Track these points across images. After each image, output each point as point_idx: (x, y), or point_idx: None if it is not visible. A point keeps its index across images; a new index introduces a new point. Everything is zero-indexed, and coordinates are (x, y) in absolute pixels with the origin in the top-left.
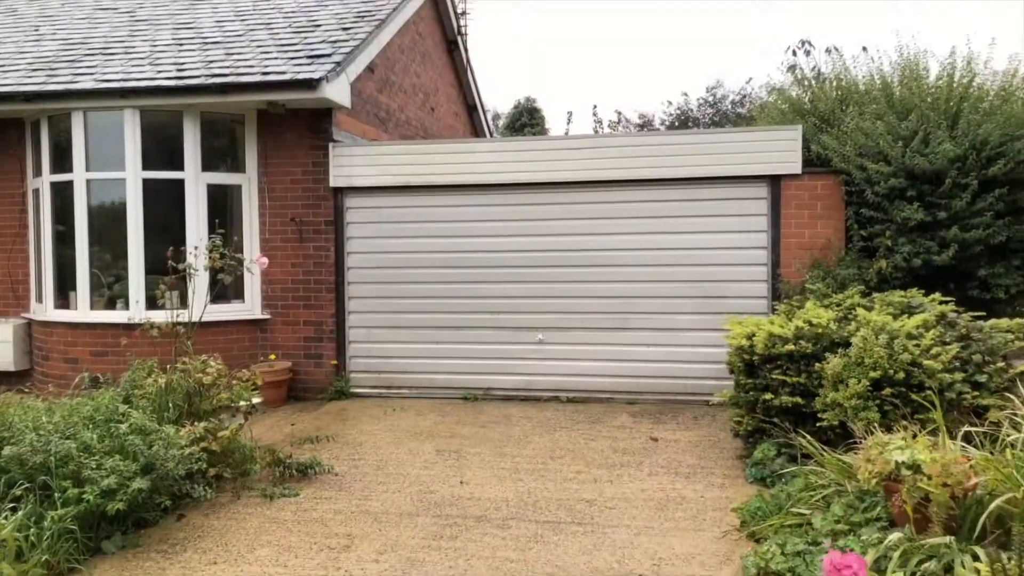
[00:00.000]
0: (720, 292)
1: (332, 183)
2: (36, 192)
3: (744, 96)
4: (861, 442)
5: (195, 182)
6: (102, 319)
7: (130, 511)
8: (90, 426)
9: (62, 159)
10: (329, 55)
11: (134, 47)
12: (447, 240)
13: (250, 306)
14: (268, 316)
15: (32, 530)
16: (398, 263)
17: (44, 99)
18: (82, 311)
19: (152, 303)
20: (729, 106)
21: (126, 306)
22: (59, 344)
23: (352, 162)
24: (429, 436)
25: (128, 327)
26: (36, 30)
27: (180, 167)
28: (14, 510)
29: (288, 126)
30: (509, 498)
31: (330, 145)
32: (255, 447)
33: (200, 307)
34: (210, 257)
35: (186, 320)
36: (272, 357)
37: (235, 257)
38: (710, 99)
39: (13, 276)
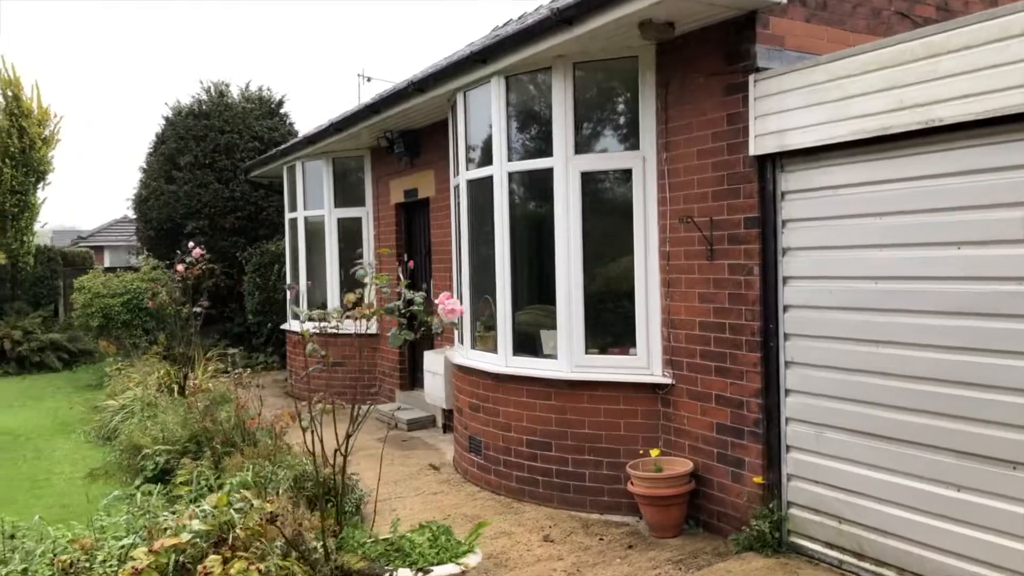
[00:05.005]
0: None
1: (753, 149)
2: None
3: None
4: None
5: (565, 170)
6: (476, 363)
7: None
8: None
9: (452, 157)
10: None
11: None
12: (987, 253)
13: (644, 361)
14: (670, 380)
15: None
16: (881, 302)
17: (431, 86)
18: (465, 349)
19: (524, 346)
20: None
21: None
22: (459, 390)
23: (784, 103)
24: None
25: (496, 378)
26: None
27: (548, 152)
28: None
29: (693, 62)
30: None
31: (751, 79)
32: None
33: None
34: (354, 292)
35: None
36: (655, 454)
37: (416, 293)
38: None
39: None
